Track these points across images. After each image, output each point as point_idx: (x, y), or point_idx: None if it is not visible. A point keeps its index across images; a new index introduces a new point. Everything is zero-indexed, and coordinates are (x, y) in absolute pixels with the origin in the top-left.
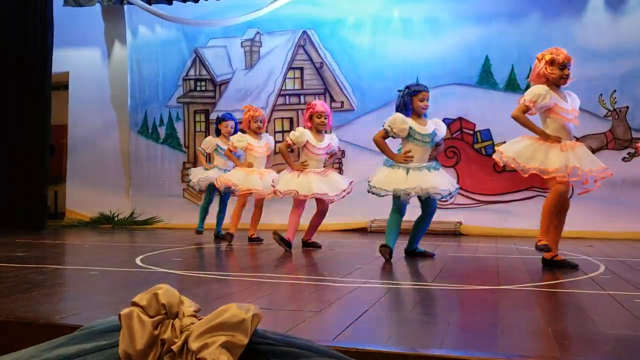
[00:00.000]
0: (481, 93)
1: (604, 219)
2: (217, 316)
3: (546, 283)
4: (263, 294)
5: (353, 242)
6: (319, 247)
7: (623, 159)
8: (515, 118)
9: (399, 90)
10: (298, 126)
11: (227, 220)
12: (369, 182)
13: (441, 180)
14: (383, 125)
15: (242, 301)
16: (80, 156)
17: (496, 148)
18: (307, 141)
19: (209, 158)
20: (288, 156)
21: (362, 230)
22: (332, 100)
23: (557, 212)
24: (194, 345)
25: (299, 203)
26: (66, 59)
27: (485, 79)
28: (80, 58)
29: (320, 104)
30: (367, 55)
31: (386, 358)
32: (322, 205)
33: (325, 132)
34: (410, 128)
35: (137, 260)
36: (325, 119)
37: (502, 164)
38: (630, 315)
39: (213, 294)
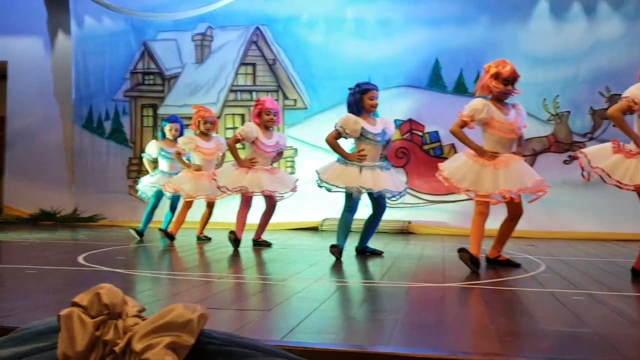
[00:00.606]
0: (431, 95)
1: (545, 219)
2: (162, 316)
3: (490, 281)
4: (210, 294)
5: (304, 241)
6: (269, 245)
7: (564, 162)
8: (452, 133)
9: (350, 89)
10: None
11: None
12: (318, 174)
13: (392, 180)
14: (335, 126)
15: (189, 301)
16: (20, 150)
17: (439, 166)
18: (257, 137)
19: (154, 163)
20: (236, 151)
21: (313, 230)
22: (285, 97)
23: (509, 221)
24: (137, 346)
25: (246, 200)
26: (4, 47)
27: (435, 81)
28: (20, 47)
29: (269, 101)
30: (321, 53)
31: (334, 356)
32: (271, 202)
33: (274, 129)
34: (362, 128)
35: (80, 259)
36: (275, 116)
37: (439, 178)
38: (569, 312)
39: (158, 294)
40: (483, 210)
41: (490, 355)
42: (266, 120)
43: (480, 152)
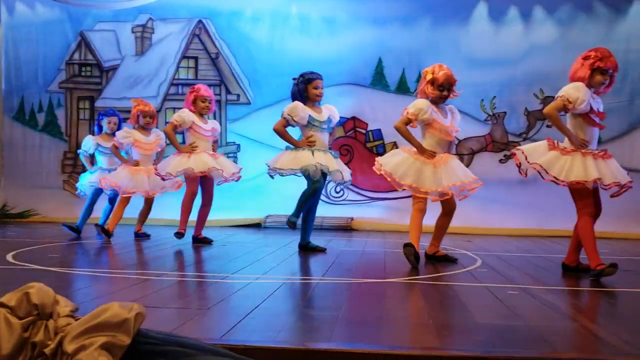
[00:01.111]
0: (374, 94)
1: (481, 216)
2: (96, 316)
3: (429, 276)
4: (148, 292)
5: (246, 238)
6: (210, 242)
7: (500, 161)
8: (397, 129)
9: (294, 79)
10: None
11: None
12: (268, 165)
13: (342, 166)
14: (282, 115)
15: (125, 300)
16: None
17: (376, 159)
18: (193, 122)
19: (92, 159)
20: (175, 138)
21: (256, 226)
22: (228, 92)
23: (444, 217)
24: (69, 347)
25: (191, 184)
26: None
27: (378, 80)
28: None
29: (204, 89)
30: (265, 49)
31: (275, 354)
32: (208, 194)
33: (209, 117)
34: (309, 116)
35: (8, 257)
36: (210, 103)
37: (379, 173)
38: (504, 306)
39: (94, 293)
40: (421, 207)
41: (428, 349)
42: (201, 108)
43: (421, 150)
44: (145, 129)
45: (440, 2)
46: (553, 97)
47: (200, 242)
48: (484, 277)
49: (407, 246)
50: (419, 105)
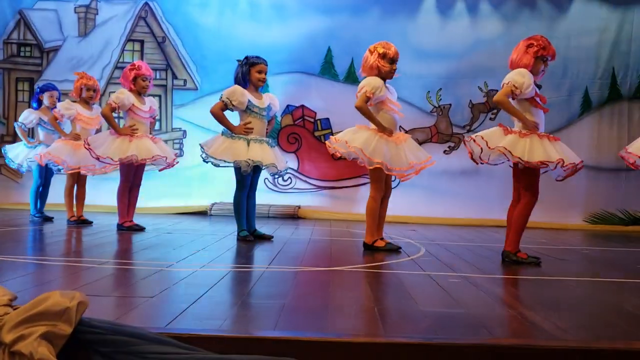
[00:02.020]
0: (323, 83)
1: (425, 205)
2: (36, 305)
3: (373, 264)
4: (90, 280)
5: (192, 226)
6: (143, 229)
7: (444, 152)
8: (359, 109)
9: (238, 61)
10: None
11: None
12: (202, 148)
13: (277, 157)
14: (221, 97)
15: (67, 288)
16: None
17: (335, 137)
18: (132, 104)
19: (31, 134)
20: (113, 120)
21: (202, 214)
22: (175, 77)
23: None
24: (7, 337)
25: (127, 173)
26: None
27: (327, 69)
28: None
29: (145, 67)
30: (213, 34)
31: (220, 342)
32: (138, 180)
33: (145, 95)
34: (249, 101)
35: None
36: (149, 82)
37: (338, 155)
38: (446, 293)
39: (33, 281)
40: (378, 196)
41: (372, 336)
42: (142, 86)
43: (381, 128)
44: (87, 103)
45: None
46: (496, 90)
47: (131, 229)
48: (427, 265)
49: (383, 246)
50: (375, 83)
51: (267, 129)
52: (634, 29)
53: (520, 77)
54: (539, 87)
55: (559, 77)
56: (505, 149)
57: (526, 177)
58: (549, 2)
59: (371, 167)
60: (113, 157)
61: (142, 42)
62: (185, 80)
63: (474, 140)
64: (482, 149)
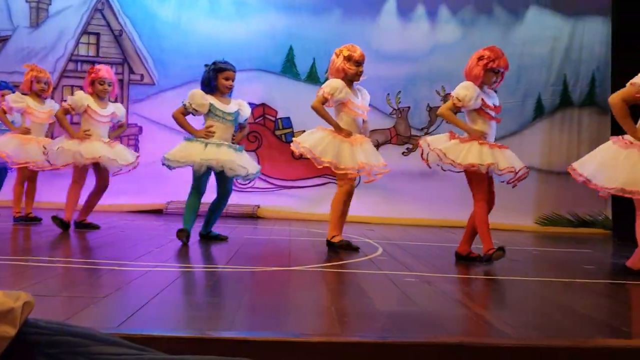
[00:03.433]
0: (284, 81)
1: (384, 206)
2: None
3: (332, 264)
4: (37, 280)
5: (147, 225)
6: (97, 228)
7: (402, 153)
8: (314, 109)
9: (206, 65)
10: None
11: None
12: (164, 156)
13: (240, 161)
14: (183, 102)
15: (11, 288)
16: None
17: (294, 138)
18: (88, 106)
19: None
20: (67, 123)
21: (157, 212)
22: (131, 72)
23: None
24: None
25: (79, 176)
26: None
27: (289, 68)
28: None
29: (105, 70)
30: (172, 29)
31: (174, 343)
32: (103, 181)
33: (110, 100)
34: (211, 104)
35: None
36: (109, 86)
37: (298, 154)
38: (401, 293)
39: None
40: (348, 188)
41: (328, 335)
42: (99, 90)
43: (338, 129)
44: (39, 96)
45: None
46: None
47: (85, 227)
48: (384, 265)
49: (332, 240)
50: (335, 84)
51: (236, 138)
52: (585, 38)
53: (463, 91)
54: (496, 92)
55: (514, 83)
56: (441, 150)
57: (472, 182)
58: (505, 9)
59: (320, 167)
60: (59, 160)
61: (98, 34)
62: (142, 75)
63: (420, 145)
64: (422, 150)
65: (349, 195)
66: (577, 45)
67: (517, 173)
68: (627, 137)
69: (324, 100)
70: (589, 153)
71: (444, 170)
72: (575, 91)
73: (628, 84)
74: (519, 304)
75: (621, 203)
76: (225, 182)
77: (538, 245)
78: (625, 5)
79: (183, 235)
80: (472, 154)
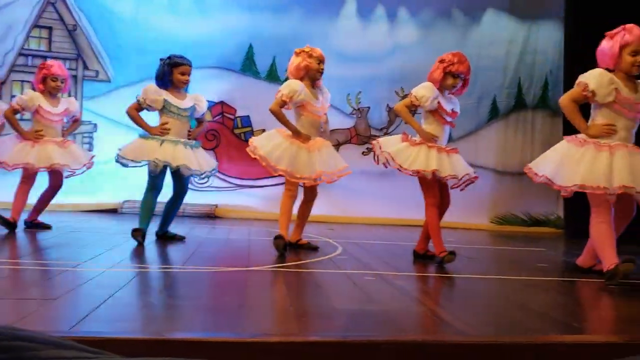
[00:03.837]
0: (244, 80)
1: (343, 205)
2: None
3: (291, 264)
4: None
5: (101, 224)
6: (49, 228)
7: (362, 153)
8: (272, 112)
9: (161, 59)
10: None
11: None
12: (118, 151)
13: (197, 159)
14: (137, 97)
15: None
16: None
17: (250, 140)
18: (39, 106)
19: None
20: (16, 123)
21: (112, 212)
22: (86, 68)
23: (305, 204)
24: None
25: (28, 177)
26: None
27: (249, 66)
28: None
29: (57, 66)
30: (129, 25)
31: (129, 345)
32: (56, 181)
33: (62, 96)
34: (165, 100)
35: None
36: (62, 83)
37: (254, 156)
38: (361, 291)
39: None
40: (293, 193)
41: (287, 335)
42: (52, 87)
43: (296, 133)
44: None
45: None
46: None
47: (36, 227)
48: (343, 264)
49: (277, 238)
50: (293, 86)
51: (193, 133)
52: (539, 42)
53: (422, 90)
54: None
55: (470, 84)
56: (389, 154)
57: (422, 186)
58: (463, 12)
59: (275, 174)
60: (9, 161)
61: (50, 28)
62: (97, 72)
63: (373, 145)
64: (375, 152)
65: (292, 199)
66: (531, 49)
67: (459, 179)
68: (581, 135)
69: (283, 104)
70: (543, 153)
71: (400, 171)
72: (529, 94)
73: (575, 85)
74: (476, 301)
75: (573, 203)
76: (181, 181)
77: (493, 244)
78: (578, 10)
79: (138, 234)
80: (419, 159)
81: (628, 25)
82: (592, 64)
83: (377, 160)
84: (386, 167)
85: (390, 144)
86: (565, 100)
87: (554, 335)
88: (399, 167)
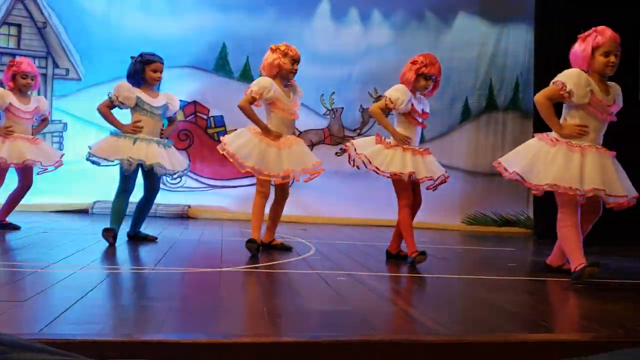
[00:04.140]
0: (217, 79)
1: (316, 205)
2: None
3: (264, 264)
4: None
5: (71, 225)
6: (18, 228)
7: (336, 154)
8: (241, 108)
9: (132, 57)
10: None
11: None
12: (89, 148)
13: (169, 158)
14: (109, 94)
15: None
16: None
17: (222, 138)
18: (10, 103)
19: None
20: None
21: (83, 212)
22: (56, 66)
23: (276, 204)
24: None
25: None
26: None
27: (222, 66)
28: None
29: (26, 63)
30: (100, 23)
31: (100, 347)
32: (27, 180)
33: (32, 94)
34: (138, 98)
35: None
36: (32, 80)
37: (222, 152)
38: (333, 291)
39: None
40: (265, 192)
41: (260, 336)
42: (22, 85)
43: (266, 131)
44: None
45: None
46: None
47: (4, 227)
48: (316, 264)
49: (250, 242)
50: (263, 83)
51: (165, 131)
52: (510, 45)
53: (395, 93)
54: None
55: (442, 86)
56: (366, 157)
57: (396, 188)
58: (436, 14)
59: (243, 171)
60: None
61: (19, 26)
62: (67, 70)
63: (347, 147)
64: (349, 154)
65: (264, 199)
66: (502, 52)
67: (435, 180)
68: (552, 134)
69: (252, 100)
70: (514, 149)
71: (377, 173)
72: (500, 95)
73: (551, 83)
74: (447, 301)
75: (542, 203)
76: (153, 180)
77: (464, 244)
78: (547, 13)
79: (109, 235)
80: (395, 162)
81: (599, 27)
82: (562, 65)
83: (353, 162)
84: (359, 169)
85: (365, 146)
86: (540, 97)
87: (524, 334)
88: (376, 170)
